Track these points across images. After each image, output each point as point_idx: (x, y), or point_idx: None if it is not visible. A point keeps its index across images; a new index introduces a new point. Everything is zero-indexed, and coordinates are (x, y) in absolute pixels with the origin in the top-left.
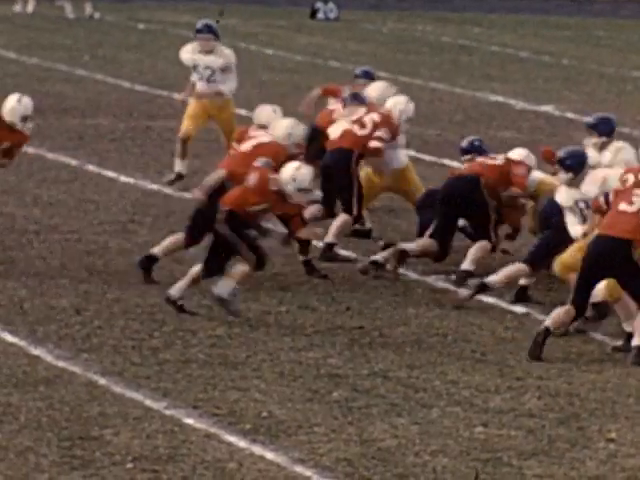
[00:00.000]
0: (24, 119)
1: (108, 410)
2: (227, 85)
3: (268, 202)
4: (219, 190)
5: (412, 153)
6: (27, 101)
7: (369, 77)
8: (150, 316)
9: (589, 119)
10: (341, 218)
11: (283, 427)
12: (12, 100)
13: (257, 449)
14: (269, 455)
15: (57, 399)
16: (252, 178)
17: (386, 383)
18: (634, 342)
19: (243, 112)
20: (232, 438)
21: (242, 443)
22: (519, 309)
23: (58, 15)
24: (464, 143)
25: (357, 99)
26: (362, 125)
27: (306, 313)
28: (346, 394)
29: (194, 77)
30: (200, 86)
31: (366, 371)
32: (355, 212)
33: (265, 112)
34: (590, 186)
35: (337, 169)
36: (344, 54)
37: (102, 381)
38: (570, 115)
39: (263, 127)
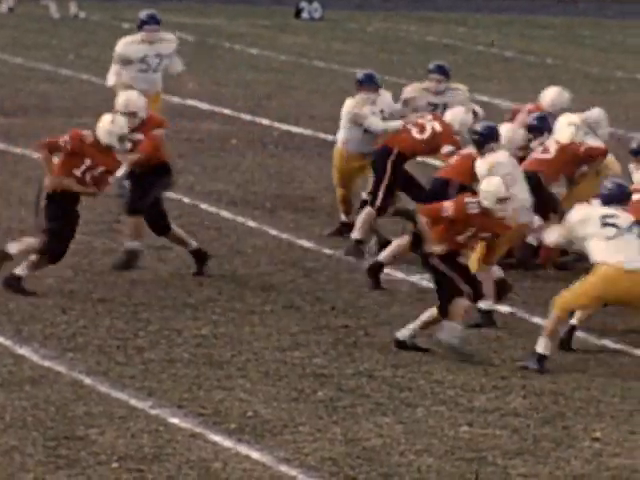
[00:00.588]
0: (121, 139)
1: (93, 410)
2: (175, 67)
3: (473, 227)
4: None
5: None
6: (121, 120)
7: (443, 72)
8: (135, 315)
9: (633, 145)
10: (365, 211)
11: (268, 427)
12: (106, 122)
13: (242, 448)
14: (254, 454)
15: (42, 398)
16: (449, 208)
17: (371, 382)
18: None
19: (227, 112)
20: (217, 438)
21: (227, 443)
22: (504, 308)
23: (43, 14)
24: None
25: (372, 81)
26: (422, 129)
27: (291, 312)
28: (331, 393)
29: (132, 70)
30: (142, 78)
31: (351, 370)
32: (378, 204)
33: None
34: (480, 167)
35: (377, 163)
36: (329, 54)
37: (87, 380)
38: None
39: None
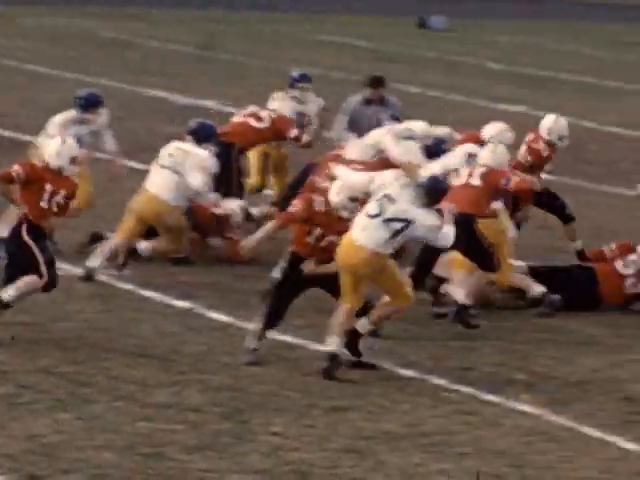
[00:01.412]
0: (72, 161)
1: None
2: None
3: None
4: None
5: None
6: (71, 141)
7: (309, 80)
8: None
9: None
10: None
11: None
12: (56, 144)
13: None
14: None
15: None
16: None
17: (51, 379)
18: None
19: None
20: None
21: None
22: (181, 304)
23: None
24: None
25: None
26: (259, 119)
27: None
28: (11, 390)
29: None
30: None
31: (30, 367)
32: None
33: None
34: None
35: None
36: (6, 50)
37: None
38: (231, 110)
39: None
